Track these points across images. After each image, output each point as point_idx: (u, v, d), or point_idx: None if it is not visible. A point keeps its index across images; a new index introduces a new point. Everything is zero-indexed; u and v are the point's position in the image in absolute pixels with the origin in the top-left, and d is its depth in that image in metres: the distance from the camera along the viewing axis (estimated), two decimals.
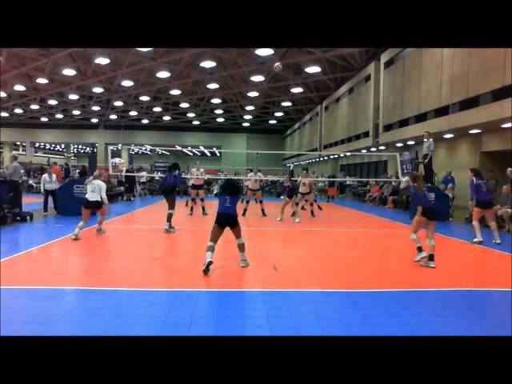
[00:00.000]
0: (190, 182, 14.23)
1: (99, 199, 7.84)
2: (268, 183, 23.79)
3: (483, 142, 15.28)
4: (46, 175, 11.45)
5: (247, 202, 12.40)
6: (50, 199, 11.43)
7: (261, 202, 12.40)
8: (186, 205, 13.45)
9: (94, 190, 7.84)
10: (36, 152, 49.44)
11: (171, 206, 8.68)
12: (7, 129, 39.10)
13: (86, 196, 7.97)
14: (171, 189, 8.99)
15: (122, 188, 17.95)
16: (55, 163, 18.77)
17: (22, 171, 11.59)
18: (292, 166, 41.43)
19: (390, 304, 4.16)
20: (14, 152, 22.19)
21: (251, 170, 12.82)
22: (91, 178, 8.22)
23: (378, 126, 20.81)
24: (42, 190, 11.25)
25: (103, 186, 8.00)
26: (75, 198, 11.10)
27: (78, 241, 7.51)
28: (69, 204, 11.04)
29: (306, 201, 12.58)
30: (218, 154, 51.36)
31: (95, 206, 7.89)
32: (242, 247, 5.63)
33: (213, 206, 12.64)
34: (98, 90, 29.14)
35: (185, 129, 44.44)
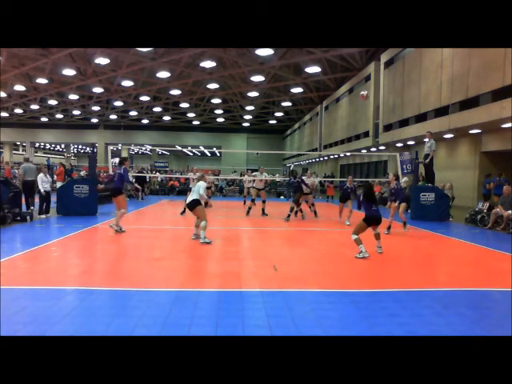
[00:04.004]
0: (252, 184, 13.94)
1: (196, 197, 7.62)
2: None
3: (483, 142, 15.28)
4: (41, 175, 10.50)
5: (253, 201, 12.52)
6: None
7: (264, 201, 12.43)
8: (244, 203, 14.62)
9: (194, 190, 7.73)
10: (36, 152, 49.53)
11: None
12: (7, 129, 39.19)
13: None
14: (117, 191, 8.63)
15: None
16: (61, 163, 18.60)
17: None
18: (292, 165, 41.46)
19: (389, 304, 4.16)
20: (26, 155, 22.46)
21: (254, 170, 12.91)
22: (195, 180, 8.06)
23: (378, 126, 20.81)
24: (43, 191, 10.40)
25: (202, 185, 7.77)
26: (75, 198, 11.13)
27: (78, 241, 7.50)
28: (69, 204, 11.06)
29: (307, 201, 12.59)
30: (218, 154, 51.37)
31: (191, 207, 7.69)
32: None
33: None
34: (98, 90, 29.15)
35: (185, 129, 44.47)
